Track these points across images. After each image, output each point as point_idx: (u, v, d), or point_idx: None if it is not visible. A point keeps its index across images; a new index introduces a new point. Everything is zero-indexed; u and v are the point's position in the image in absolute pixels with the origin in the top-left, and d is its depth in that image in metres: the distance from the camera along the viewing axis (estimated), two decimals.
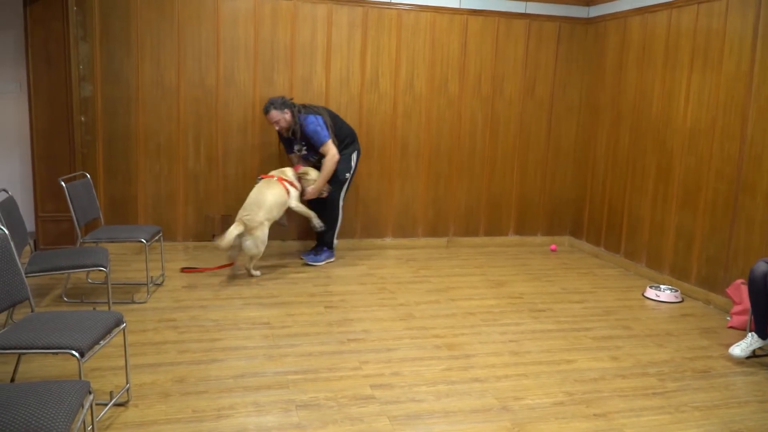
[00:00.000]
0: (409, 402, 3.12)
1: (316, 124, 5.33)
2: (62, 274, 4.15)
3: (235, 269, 5.24)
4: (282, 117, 5.29)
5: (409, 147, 6.20)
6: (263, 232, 4.98)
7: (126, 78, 5.54)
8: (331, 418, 2.93)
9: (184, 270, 5.21)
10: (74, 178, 4.78)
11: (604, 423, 2.99)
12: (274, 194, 5.08)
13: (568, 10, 6.34)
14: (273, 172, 5.28)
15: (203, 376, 3.30)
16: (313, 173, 5.36)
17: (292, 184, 5.24)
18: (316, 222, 5.41)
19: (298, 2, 5.74)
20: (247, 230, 4.93)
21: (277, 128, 5.38)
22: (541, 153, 6.57)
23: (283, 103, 5.30)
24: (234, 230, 4.88)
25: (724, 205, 4.74)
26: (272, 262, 5.62)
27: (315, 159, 5.48)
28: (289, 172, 5.30)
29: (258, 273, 5.19)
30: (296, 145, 5.45)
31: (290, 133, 5.37)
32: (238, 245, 5.00)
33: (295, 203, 5.25)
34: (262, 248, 5.02)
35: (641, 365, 3.69)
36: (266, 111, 5.29)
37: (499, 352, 3.78)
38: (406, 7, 5.96)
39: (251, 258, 5.08)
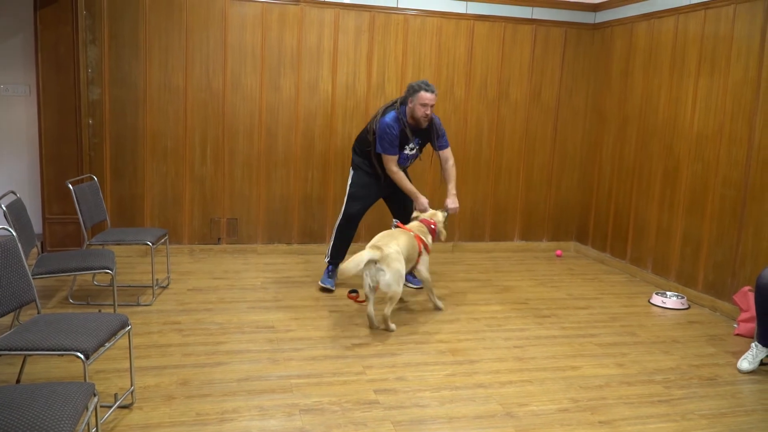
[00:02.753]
0: (413, 407, 3.11)
1: (440, 120, 4.92)
2: (69, 276, 4.17)
3: (371, 318, 4.18)
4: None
5: None
6: (402, 265, 4.06)
7: (134, 81, 5.56)
8: (335, 423, 2.92)
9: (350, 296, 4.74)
10: (81, 180, 4.80)
11: (609, 430, 2.98)
12: (409, 243, 4.28)
13: (574, 16, 6.33)
14: (412, 226, 4.54)
15: (207, 379, 3.31)
16: (439, 215, 4.75)
17: (427, 247, 4.49)
18: (438, 303, 4.64)
19: (305, 7, 5.75)
20: (383, 259, 3.96)
21: (423, 113, 4.58)
22: (546, 158, 6.56)
23: None
24: (366, 254, 3.93)
25: (732, 211, 4.72)
26: (273, 260, 5.63)
27: (410, 164, 4.96)
28: (428, 237, 4.55)
29: (393, 327, 4.13)
30: (411, 143, 4.79)
31: (419, 125, 4.70)
32: (372, 280, 4.03)
33: (423, 269, 4.46)
34: (401, 287, 4.05)
35: (647, 372, 3.67)
36: (433, 90, 4.57)
37: (503, 358, 3.76)
38: (413, 12, 5.97)
39: (389, 300, 4.05)
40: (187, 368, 3.43)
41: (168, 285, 4.89)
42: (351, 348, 3.83)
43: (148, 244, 4.50)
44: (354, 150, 5.05)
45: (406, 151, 4.81)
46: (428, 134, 4.81)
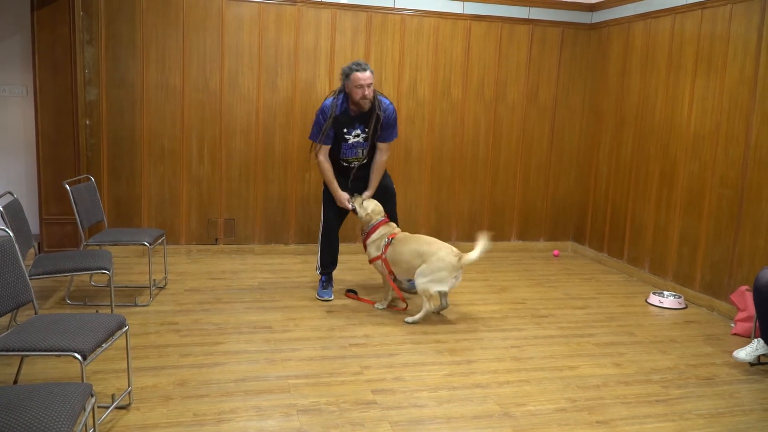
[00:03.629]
0: (410, 407, 3.11)
1: (395, 114, 4.64)
2: (66, 276, 4.17)
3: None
4: (373, 83, 4.46)
5: (411, 151, 6.20)
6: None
7: (131, 82, 5.56)
8: (333, 423, 2.92)
9: (347, 294, 4.86)
10: (79, 181, 4.79)
11: (606, 430, 2.98)
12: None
13: (571, 16, 6.34)
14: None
15: (205, 379, 3.30)
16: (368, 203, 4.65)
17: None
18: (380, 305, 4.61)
19: (302, 7, 5.75)
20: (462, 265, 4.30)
21: (361, 95, 4.39)
22: (543, 158, 6.57)
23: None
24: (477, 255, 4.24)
25: (729, 210, 4.73)
26: (271, 260, 5.63)
27: (360, 154, 4.66)
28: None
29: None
30: (355, 129, 4.56)
31: (361, 109, 4.48)
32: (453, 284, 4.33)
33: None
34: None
35: (644, 372, 3.67)
36: (365, 68, 4.38)
37: (501, 358, 3.77)
38: (410, 13, 5.97)
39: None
40: (185, 369, 3.42)
41: (165, 285, 4.89)
42: (348, 348, 3.83)
43: (145, 245, 4.50)
44: None
45: (350, 139, 4.57)
46: (370, 118, 4.50)
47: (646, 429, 3.01)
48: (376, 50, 5.96)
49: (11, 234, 2.83)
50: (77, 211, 4.38)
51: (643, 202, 5.68)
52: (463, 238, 6.48)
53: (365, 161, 4.70)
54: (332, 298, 4.75)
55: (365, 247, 4.63)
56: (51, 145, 5.29)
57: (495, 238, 6.56)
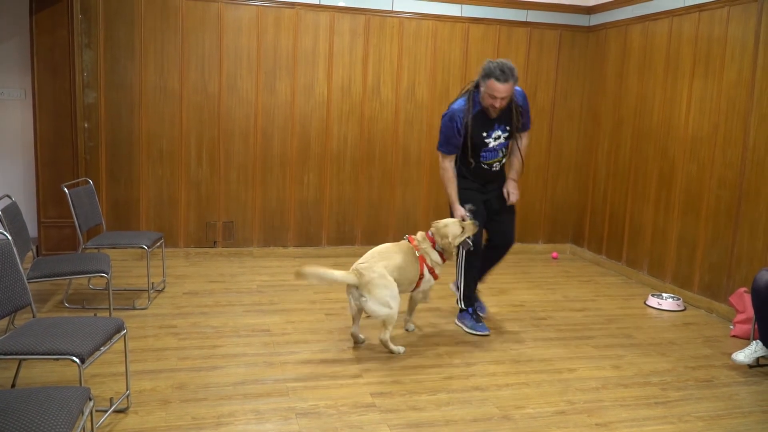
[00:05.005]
0: (409, 410, 3.11)
1: (527, 100, 4.08)
2: (64, 279, 4.17)
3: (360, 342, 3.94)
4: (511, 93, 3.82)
5: (410, 154, 6.20)
6: (388, 290, 3.67)
7: (129, 84, 5.56)
8: (331, 426, 2.92)
9: None
10: (77, 184, 4.79)
11: None
12: (405, 264, 3.81)
13: (569, 18, 6.35)
14: (418, 240, 3.95)
15: (203, 383, 3.30)
16: (453, 227, 3.90)
17: (432, 271, 3.92)
18: (410, 324, 4.20)
19: (300, 10, 5.76)
20: (363, 285, 3.64)
21: (489, 104, 3.82)
22: (542, 160, 6.57)
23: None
24: (340, 276, 3.62)
25: (727, 212, 4.73)
26: (269, 263, 5.63)
27: (501, 154, 4.09)
28: (434, 255, 3.91)
29: (401, 349, 3.82)
30: (495, 131, 3.96)
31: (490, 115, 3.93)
32: (356, 311, 3.80)
33: (420, 294, 4.06)
34: (393, 308, 3.69)
35: (643, 374, 3.67)
36: (507, 78, 3.69)
37: (499, 361, 3.76)
38: (408, 15, 5.98)
39: (383, 325, 3.74)
40: (183, 372, 3.42)
41: (164, 288, 4.88)
42: (347, 351, 3.82)
43: (143, 248, 4.49)
44: None
45: (491, 143, 3.96)
46: (511, 115, 3.94)
47: (645, 431, 3.01)
48: (374, 53, 5.96)
49: (9, 237, 2.83)
50: (75, 214, 4.38)
51: (641, 204, 5.68)
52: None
53: (504, 159, 4.16)
54: (489, 332, 4.16)
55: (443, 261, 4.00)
56: (49, 148, 5.28)
57: None
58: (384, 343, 3.77)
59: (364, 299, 3.64)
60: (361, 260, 3.76)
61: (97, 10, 5.40)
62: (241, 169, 5.88)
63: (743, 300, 4.31)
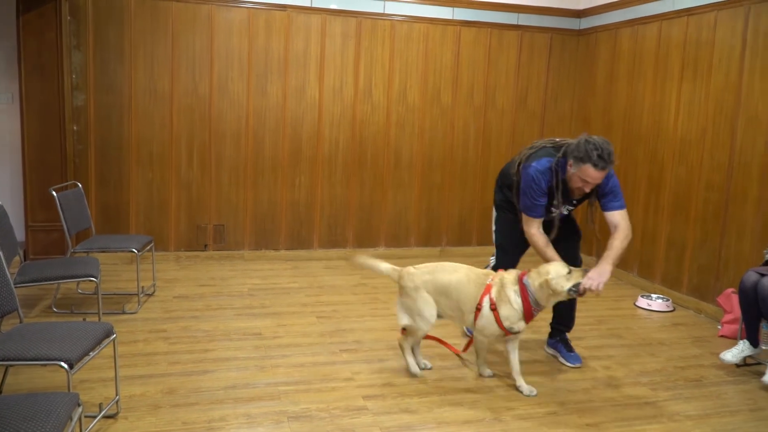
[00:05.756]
0: (401, 413, 3.10)
1: (616, 178, 3.58)
2: (52, 284, 4.13)
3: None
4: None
5: (402, 157, 6.21)
6: (416, 303, 3.40)
7: (119, 87, 5.53)
8: (323, 429, 2.91)
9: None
10: (66, 187, 4.76)
11: None
12: (460, 288, 3.40)
13: (559, 22, 6.37)
14: (504, 281, 3.38)
15: (194, 387, 3.28)
16: (536, 279, 3.34)
17: (494, 310, 3.33)
18: (486, 371, 3.60)
19: (292, 13, 5.75)
20: (399, 286, 3.49)
21: (585, 191, 3.44)
22: None
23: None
24: (383, 266, 3.55)
25: (715, 214, 4.77)
26: (261, 266, 5.61)
27: (560, 219, 3.63)
28: (511, 292, 3.33)
29: (418, 370, 3.54)
30: (566, 205, 3.62)
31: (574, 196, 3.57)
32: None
33: (476, 333, 3.46)
34: (414, 322, 3.43)
35: (633, 374, 3.69)
36: (606, 165, 3.28)
37: (490, 363, 3.76)
38: (400, 18, 5.98)
39: (407, 332, 3.51)
40: (174, 377, 3.40)
41: (154, 292, 4.86)
42: (339, 354, 3.82)
43: (133, 251, 4.47)
44: (497, 183, 3.96)
45: (554, 212, 3.57)
46: (595, 195, 3.54)
47: (635, 431, 3.03)
48: (366, 56, 5.96)
49: None
50: (64, 217, 4.35)
51: (631, 206, 5.69)
52: (453, 242, 6.49)
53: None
54: (581, 362, 3.79)
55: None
56: (37, 152, 5.25)
57: (483, 243, 6.58)
58: (400, 348, 3.55)
59: (399, 299, 3.50)
60: (421, 265, 3.52)
61: (86, 12, 5.37)
62: (232, 171, 5.86)
63: (731, 300, 4.35)
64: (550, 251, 3.51)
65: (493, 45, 6.26)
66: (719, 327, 4.52)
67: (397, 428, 2.96)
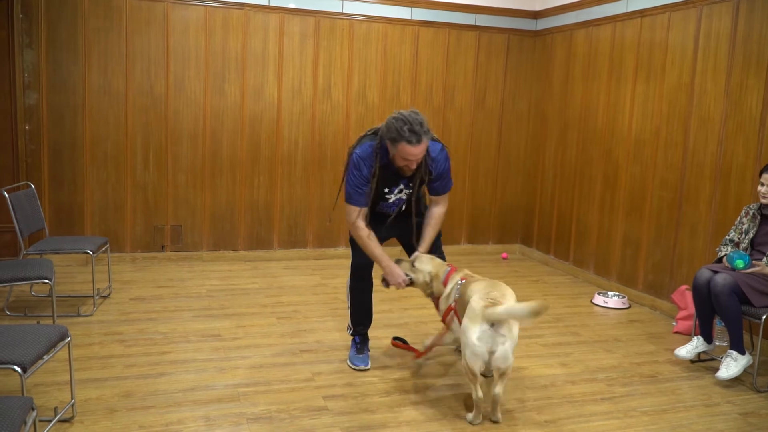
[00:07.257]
0: (362, 413, 3.10)
1: (448, 158, 3.56)
2: (4, 286, 4.03)
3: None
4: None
5: None
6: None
7: (72, 86, 5.41)
8: (284, 430, 2.90)
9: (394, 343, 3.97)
10: (18, 188, 4.64)
11: (554, 429, 3.04)
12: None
13: (516, 23, 6.46)
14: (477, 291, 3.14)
15: (151, 390, 3.23)
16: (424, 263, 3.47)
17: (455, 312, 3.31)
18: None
19: (249, 11, 5.70)
20: (497, 320, 2.94)
21: (403, 164, 3.32)
22: (491, 162, 6.66)
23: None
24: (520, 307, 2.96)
25: (669, 212, 4.89)
26: (219, 267, 5.55)
27: (401, 208, 3.62)
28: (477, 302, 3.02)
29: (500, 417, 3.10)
30: (398, 186, 3.49)
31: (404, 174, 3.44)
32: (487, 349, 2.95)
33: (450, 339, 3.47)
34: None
35: (590, 371, 3.75)
36: (419, 139, 3.17)
37: (450, 362, 3.79)
38: (359, 18, 5.98)
39: (502, 376, 3.01)
40: (130, 380, 3.34)
41: (109, 294, 4.76)
42: (299, 355, 3.80)
43: (88, 253, 4.38)
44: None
45: (391, 198, 3.51)
46: (422, 176, 3.44)
47: (592, 427, 3.08)
48: (324, 55, 5.95)
49: None
50: (16, 219, 4.24)
51: (587, 205, 5.81)
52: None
53: (405, 208, 3.66)
54: (369, 366, 3.65)
55: (437, 306, 3.54)
56: None
57: (445, 242, 6.60)
58: (497, 402, 3.08)
59: (502, 339, 2.95)
60: (484, 290, 3.10)
61: (38, 10, 5.24)
62: (190, 172, 5.78)
63: (685, 297, 4.46)
64: (377, 248, 3.45)
65: (452, 45, 6.31)
66: (674, 323, 4.63)
67: (357, 428, 2.96)
